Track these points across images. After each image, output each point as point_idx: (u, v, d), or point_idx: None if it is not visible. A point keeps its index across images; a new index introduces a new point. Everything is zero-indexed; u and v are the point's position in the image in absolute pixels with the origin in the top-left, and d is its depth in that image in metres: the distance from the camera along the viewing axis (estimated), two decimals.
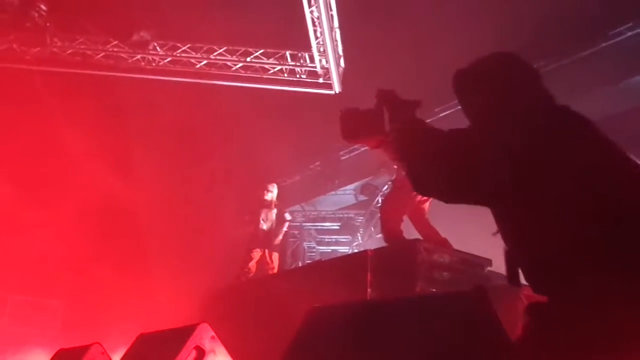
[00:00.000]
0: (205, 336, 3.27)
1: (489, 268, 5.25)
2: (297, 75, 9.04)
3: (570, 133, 1.94)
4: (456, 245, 5.55)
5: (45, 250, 9.74)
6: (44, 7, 8.48)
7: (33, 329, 9.95)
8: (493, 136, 1.98)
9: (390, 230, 6.17)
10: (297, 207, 13.25)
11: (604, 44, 8.44)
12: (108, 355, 4.01)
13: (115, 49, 9.17)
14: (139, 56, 9.20)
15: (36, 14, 8.51)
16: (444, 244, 5.71)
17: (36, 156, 9.47)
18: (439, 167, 2.00)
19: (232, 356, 3.43)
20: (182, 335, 3.28)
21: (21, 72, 9.37)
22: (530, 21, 7.65)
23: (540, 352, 1.71)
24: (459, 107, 2.26)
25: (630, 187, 1.81)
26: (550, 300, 1.75)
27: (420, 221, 6.19)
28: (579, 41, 8.50)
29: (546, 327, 1.74)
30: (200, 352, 3.22)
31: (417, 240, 5.71)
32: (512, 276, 1.90)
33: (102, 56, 9.24)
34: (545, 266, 1.81)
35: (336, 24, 8.34)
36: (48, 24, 8.61)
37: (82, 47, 9.17)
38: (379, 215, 7.05)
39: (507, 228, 1.93)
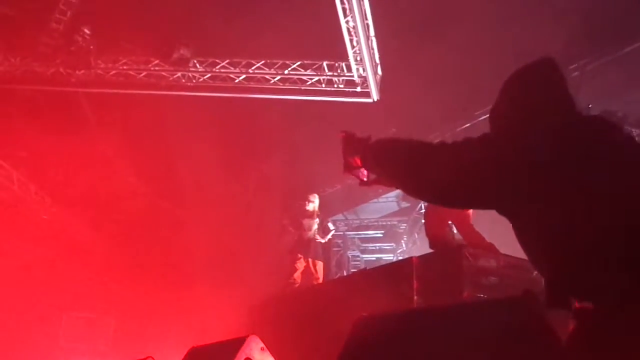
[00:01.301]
0: (255, 347, 3.31)
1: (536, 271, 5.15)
2: (335, 85, 9.07)
3: (592, 141, 1.91)
4: (502, 249, 5.46)
5: (96, 268, 10.01)
6: (87, 31, 8.78)
7: (87, 345, 10.21)
8: (510, 147, 1.98)
9: (435, 237, 6.12)
10: (339, 216, 13.25)
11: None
12: None
13: (156, 68, 9.39)
14: (179, 74, 9.39)
15: (80, 38, 8.82)
16: (489, 249, 5.63)
17: (85, 175, 9.75)
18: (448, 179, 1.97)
19: None
20: (232, 347, 3.32)
21: (69, 94, 9.70)
22: (569, 22, 7.51)
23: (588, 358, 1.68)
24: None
25: None
26: (590, 309, 1.73)
27: (465, 227, 6.12)
28: (622, 37, 8.28)
29: (591, 334, 1.71)
30: None
31: (462, 246, 5.65)
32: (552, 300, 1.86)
33: (144, 75, 9.47)
34: (567, 278, 1.79)
35: (372, 32, 8.34)
36: (92, 47, 8.90)
37: (124, 67, 9.42)
38: (423, 221, 7.00)
39: (525, 240, 1.92)
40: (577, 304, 1.77)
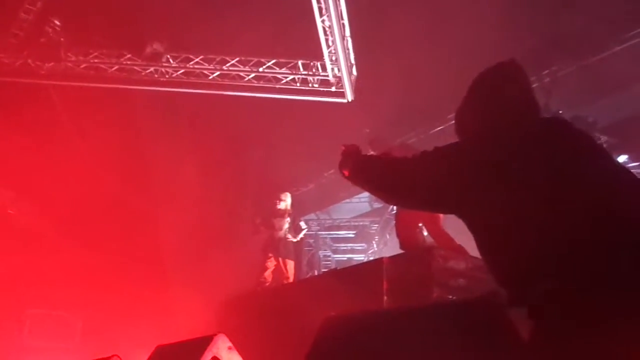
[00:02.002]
0: (223, 346, 3.28)
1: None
2: (310, 85, 9.06)
3: (544, 147, 1.95)
4: (472, 252, 5.51)
5: (63, 264, 9.82)
6: (57, 23, 8.60)
7: (52, 343, 10.00)
8: (460, 153, 2.06)
9: (405, 238, 6.17)
10: (312, 216, 13.24)
11: (618, 47, 8.37)
12: None
13: (128, 62, 9.25)
14: (152, 69, 9.27)
15: (50, 30, 8.63)
16: (459, 250, 5.68)
17: (52, 171, 9.56)
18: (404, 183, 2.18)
19: None
20: (199, 346, 3.29)
21: (37, 87, 9.49)
22: (541, 29, 7.63)
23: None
24: None
25: (604, 200, 1.80)
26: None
27: (435, 228, 6.18)
28: (594, 44, 8.43)
29: (538, 335, 1.75)
30: None
31: (432, 247, 5.69)
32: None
33: (115, 69, 9.33)
34: (504, 283, 1.83)
35: (347, 32, 8.35)
36: (62, 39, 8.71)
37: (95, 60, 9.26)
38: (394, 222, 7.05)
39: (477, 240, 1.97)
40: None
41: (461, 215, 2.03)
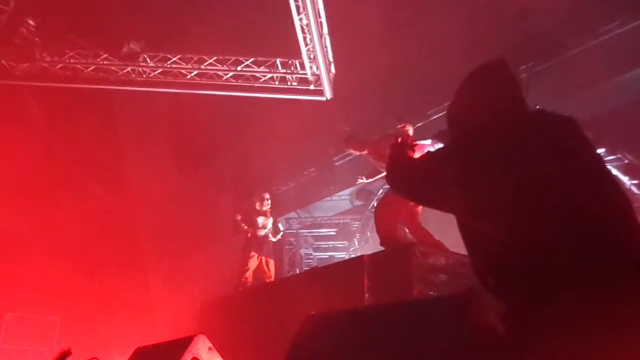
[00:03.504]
0: (203, 347, 3.26)
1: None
2: (288, 83, 9.05)
3: (538, 139, 1.98)
4: (451, 247, 5.55)
5: (41, 266, 9.70)
6: (32, 23, 8.46)
7: (30, 346, 9.88)
8: (453, 148, 2.12)
9: (386, 234, 6.18)
10: (292, 214, 13.23)
11: (594, 42, 8.47)
12: None
13: (105, 62, 9.15)
14: (129, 68, 9.18)
15: (24, 30, 8.49)
16: (438, 246, 5.72)
17: (30, 172, 9.43)
18: (407, 174, 2.31)
19: None
20: (179, 347, 3.27)
21: (11, 88, 9.34)
22: (518, 25, 7.70)
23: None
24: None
25: (590, 197, 1.84)
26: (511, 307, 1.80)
27: (413, 224, 6.21)
28: (569, 39, 8.53)
29: (511, 333, 1.78)
30: None
31: (412, 243, 5.72)
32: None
33: (92, 69, 9.22)
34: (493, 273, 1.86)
35: (325, 30, 8.35)
36: (37, 39, 8.58)
37: (72, 61, 9.15)
38: (374, 219, 7.06)
39: (463, 236, 2.01)
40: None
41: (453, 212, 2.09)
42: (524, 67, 8.81)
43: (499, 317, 1.85)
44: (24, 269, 9.58)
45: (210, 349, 3.28)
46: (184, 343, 3.25)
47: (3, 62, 8.83)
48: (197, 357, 3.20)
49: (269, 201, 8.82)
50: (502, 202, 1.86)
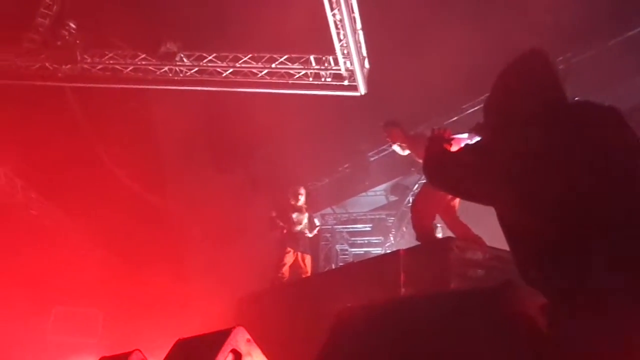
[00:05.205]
0: (241, 339, 3.32)
1: None
2: (322, 79, 9.07)
3: (581, 131, 1.96)
4: (490, 242, 5.50)
5: (85, 262, 9.99)
6: (73, 25, 8.70)
7: (76, 338, 10.19)
8: (493, 140, 2.11)
9: (422, 229, 6.15)
10: (328, 210, 13.28)
11: (632, 32, 8.26)
12: None
13: (143, 62, 9.33)
14: (166, 68, 9.34)
15: (66, 33, 8.73)
16: (476, 241, 5.66)
17: (72, 171, 9.72)
18: (445, 166, 2.32)
19: (268, 359, 3.48)
20: (218, 339, 3.34)
21: (56, 90, 9.64)
22: (555, 15, 7.56)
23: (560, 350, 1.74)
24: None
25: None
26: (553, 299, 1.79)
27: (452, 219, 6.16)
28: (607, 29, 8.34)
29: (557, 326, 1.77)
30: (237, 355, 3.27)
31: (449, 238, 5.69)
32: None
33: (131, 70, 9.42)
34: (533, 264, 1.85)
35: (359, 25, 8.34)
36: (78, 42, 8.82)
37: (111, 62, 9.36)
38: (410, 214, 7.03)
39: (503, 228, 2.00)
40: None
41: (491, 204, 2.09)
42: (561, 58, 8.65)
43: (540, 309, 1.84)
44: (69, 264, 9.88)
45: (248, 341, 3.34)
46: (223, 335, 3.32)
47: (47, 64, 9.10)
48: (236, 348, 3.26)
49: (302, 197, 8.86)
50: (546, 194, 1.84)
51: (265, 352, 3.47)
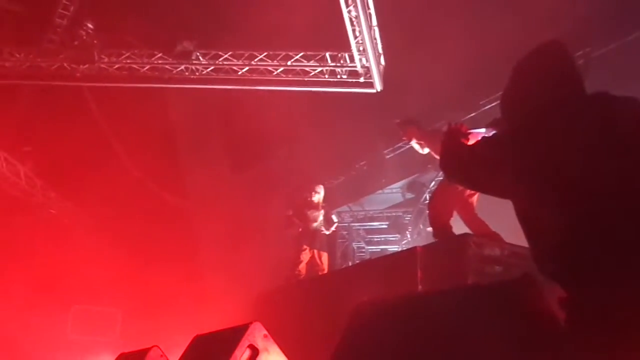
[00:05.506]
0: (258, 334, 3.33)
1: None
2: (338, 76, 9.05)
3: (599, 123, 1.93)
4: (507, 238, 5.45)
5: (103, 260, 10.08)
6: (90, 26, 8.78)
7: (95, 337, 10.30)
8: (509, 133, 2.09)
9: (439, 226, 6.11)
10: (344, 208, 13.25)
11: None
12: (166, 357, 4.13)
13: (159, 61, 9.39)
14: (182, 66, 9.38)
15: (84, 33, 8.82)
16: (494, 237, 5.62)
17: (90, 170, 9.81)
18: (462, 159, 2.31)
19: (285, 354, 3.48)
20: (235, 334, 3.35)
21: (74, 89, 9.74)
22: (574, 9, 7.45)
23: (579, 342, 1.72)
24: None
25: None
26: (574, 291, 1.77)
27: (469, 215, 6.11)
28: (627, 23, 8.21)
29: (576, 318, 1.74)
30: (254, 351, 3.28)
31: (467, 234, 5.63)
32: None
33: (147, 69, 9.48)
34: (552, 257, 1.82)
35: (374, 22, 8.31)
36: (95, 41, 8.91)
37: (128, 61, 9.42)
38: (427, 211, 6.99)
39: (521, 222, 1.98)
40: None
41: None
42: (580, 52, 8.53)
43: (559, 302, 1.83)
44: (88, 263, 9.98)
45: (265, 336, 3.34)
46: (241, 330, 3.33)
47: (65, 64, 9.19)
48: (253, 343, 3.27)
49: (319, 194, 8.85)
50: (565, 187, 1.82)
51: (282, 347, 3.47)
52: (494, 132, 4.90)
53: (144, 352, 4.14)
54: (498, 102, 2.34)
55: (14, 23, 9.02)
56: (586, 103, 2.06)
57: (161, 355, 4.11)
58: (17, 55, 9.26)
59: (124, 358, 4.60)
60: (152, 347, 4.17)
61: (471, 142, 2.72)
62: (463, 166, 2.27)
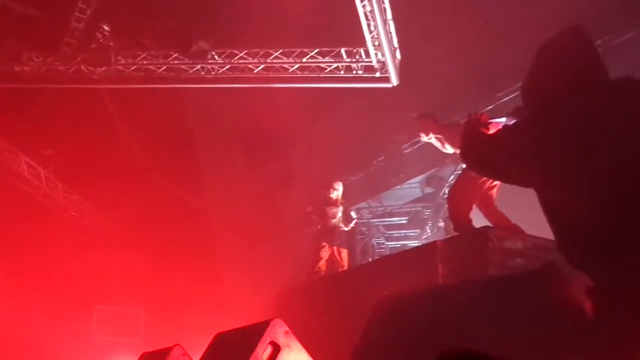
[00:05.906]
0: (280, 331, 3.33)
1: None
2: (354, 72, 9.00)
3: (622, 108, 1.88)
4: (528, 230, 5.39)
5: (125, 261, 10.18)
6: (107, 28, 8.86)
7: (118, 337, 10.40)
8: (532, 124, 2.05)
9: (459, 219, 6.07)
10: (363, 204, 13.22)
11: None
12: (189, 356, 4.14)
13: (175, 62, 9.42)
14: (198, 66, 9.41)
15: (100, 35, 8.90)
16: (515, 230, 5.56)
17: (109, 171, 9.90)
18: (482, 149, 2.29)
19: (306, 350, 3.47)
20: (257, 331, 3.35)
21: (91, 92, 9.83)
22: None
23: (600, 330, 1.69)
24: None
25: None
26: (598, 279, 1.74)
27: (489, 208, 6.06)
28: None
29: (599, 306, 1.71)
30: (276, 347, 3.28)
31: (487, 227, 5.59)
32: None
33: (164, 70, 9.52)
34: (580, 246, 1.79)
35: (389, 16, 8.25)
36: (111, 44, 8.98)
37: (144, 62, 9.46)
38: (447, 205, 6.94)
39: (545, 211, 1.95)
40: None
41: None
42: (599, 41, 8.39)
43: (585, 290, 1.80)
44: (110, 264, 10.08)
45: (287, 332, 3.33)
46: (262, 327, 3.33)
47: (82, 67, 9.28)
48: (275, 340, 3.27)
49: (338, 191, 8.85)
50: (588, 175, 1.79)
51: (303, 344, 3.46)
52: (514, 121, 4.83)
53: (166, 351, 4.15)
54: (516, 94, 2.31)
55: (32, 27, 9.12)
56: (611, 88, 2.02)
57: (183, 354, 4.12)
58: (36, 60, 9.35)
59: (147, 357, 4.62)
60: (175, 345, 4.18)
61: (492, 131, 2.69)
62: (484, 155, 2.24)
